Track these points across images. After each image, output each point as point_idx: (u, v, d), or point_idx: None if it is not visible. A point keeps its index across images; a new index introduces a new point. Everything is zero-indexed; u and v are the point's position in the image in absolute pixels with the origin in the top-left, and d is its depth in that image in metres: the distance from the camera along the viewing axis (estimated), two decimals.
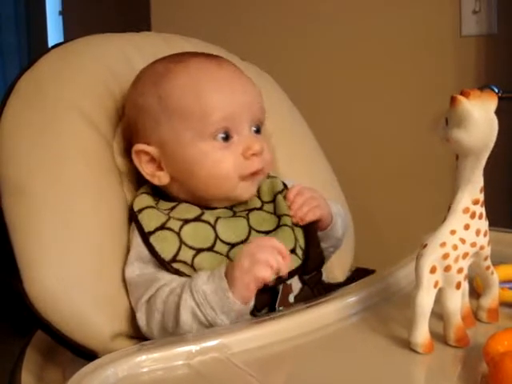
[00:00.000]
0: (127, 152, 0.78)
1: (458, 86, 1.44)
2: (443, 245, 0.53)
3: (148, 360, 0.52)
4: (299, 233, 0.75)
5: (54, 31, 3.30)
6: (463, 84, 1.42)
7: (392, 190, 1.58)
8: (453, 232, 0.53)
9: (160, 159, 0.74)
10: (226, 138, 0.72)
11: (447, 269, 0.53)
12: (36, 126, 0.74)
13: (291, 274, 0.71)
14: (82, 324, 0.69)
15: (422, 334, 0.53)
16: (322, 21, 1.63)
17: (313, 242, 0.76)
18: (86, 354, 0.70)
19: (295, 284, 0.72)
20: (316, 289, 0.73)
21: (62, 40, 0.87)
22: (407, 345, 0.54)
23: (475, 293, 0.63)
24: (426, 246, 0.53)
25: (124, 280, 0.72)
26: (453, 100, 0.50)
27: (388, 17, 1.54)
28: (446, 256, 0.53)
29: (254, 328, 0.58)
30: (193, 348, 0.53)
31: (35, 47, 3.35)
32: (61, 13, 3.21)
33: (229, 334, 0.56)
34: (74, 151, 0.75)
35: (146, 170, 0.75)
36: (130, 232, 0.73)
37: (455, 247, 0.53)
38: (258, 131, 0.76)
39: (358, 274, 0.95)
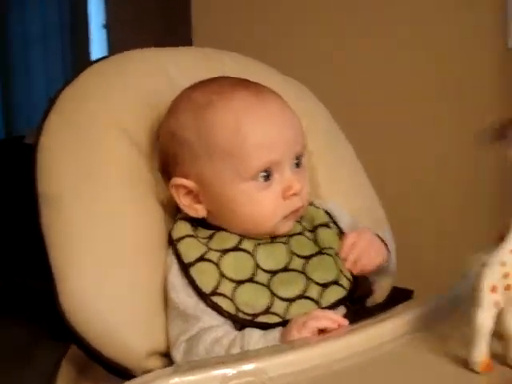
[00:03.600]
0: (163, 173, 0.77)
1: (504, 99, 1.41)
2: (503, 264, 0.52)
3: (183, 382, 0.50)
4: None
5: (98, 44, 3.37)
6: (510, 97, 1.39)
7: (429, 207, 1.55)
8: None
9: (198, 193, 0.72)
10: (267, 176, 0.71)
11: (508, 288, 0.52)
12: (74, 143, 0.75)
13: (335, 305, 0.70)
14: (116, 341, 0.69)
15: (481, 353, 0.52)
16: (365, 36, 1.62)
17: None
18: (120, 371, 0.69)
19: (339, 310, 0.71)
20: (358, 314, 0.71)
21: (105, 53, 0.87)
22: (465, 364, 0.52)
23: None
24: (485, 265, 0.52)
25: (160, 298, 0.71)
26: None
27: (433, 30, 1.52)
28: (506, 275, 0.52)
29: (292, 352, 0.56)
30: (229, 371, 0.52)
31: (79, 58, 3.43)
32: (105, 26, 3.28)
33: (266, 358, 0.54)
34: (111, 167, 0.75)
35: (184, 201, 0.73)
36: (169, 255, 0.73)
37: None
38: (298, 165, 0.73)
39: (396, 294, 0.92)
